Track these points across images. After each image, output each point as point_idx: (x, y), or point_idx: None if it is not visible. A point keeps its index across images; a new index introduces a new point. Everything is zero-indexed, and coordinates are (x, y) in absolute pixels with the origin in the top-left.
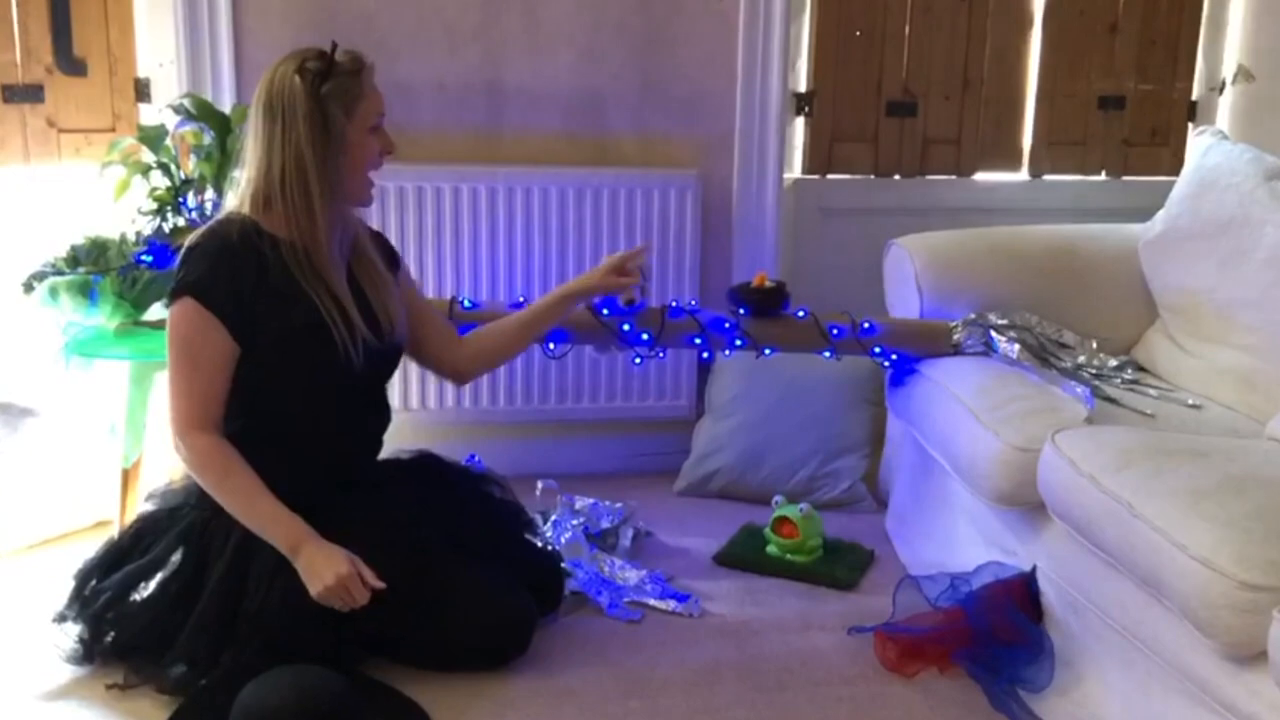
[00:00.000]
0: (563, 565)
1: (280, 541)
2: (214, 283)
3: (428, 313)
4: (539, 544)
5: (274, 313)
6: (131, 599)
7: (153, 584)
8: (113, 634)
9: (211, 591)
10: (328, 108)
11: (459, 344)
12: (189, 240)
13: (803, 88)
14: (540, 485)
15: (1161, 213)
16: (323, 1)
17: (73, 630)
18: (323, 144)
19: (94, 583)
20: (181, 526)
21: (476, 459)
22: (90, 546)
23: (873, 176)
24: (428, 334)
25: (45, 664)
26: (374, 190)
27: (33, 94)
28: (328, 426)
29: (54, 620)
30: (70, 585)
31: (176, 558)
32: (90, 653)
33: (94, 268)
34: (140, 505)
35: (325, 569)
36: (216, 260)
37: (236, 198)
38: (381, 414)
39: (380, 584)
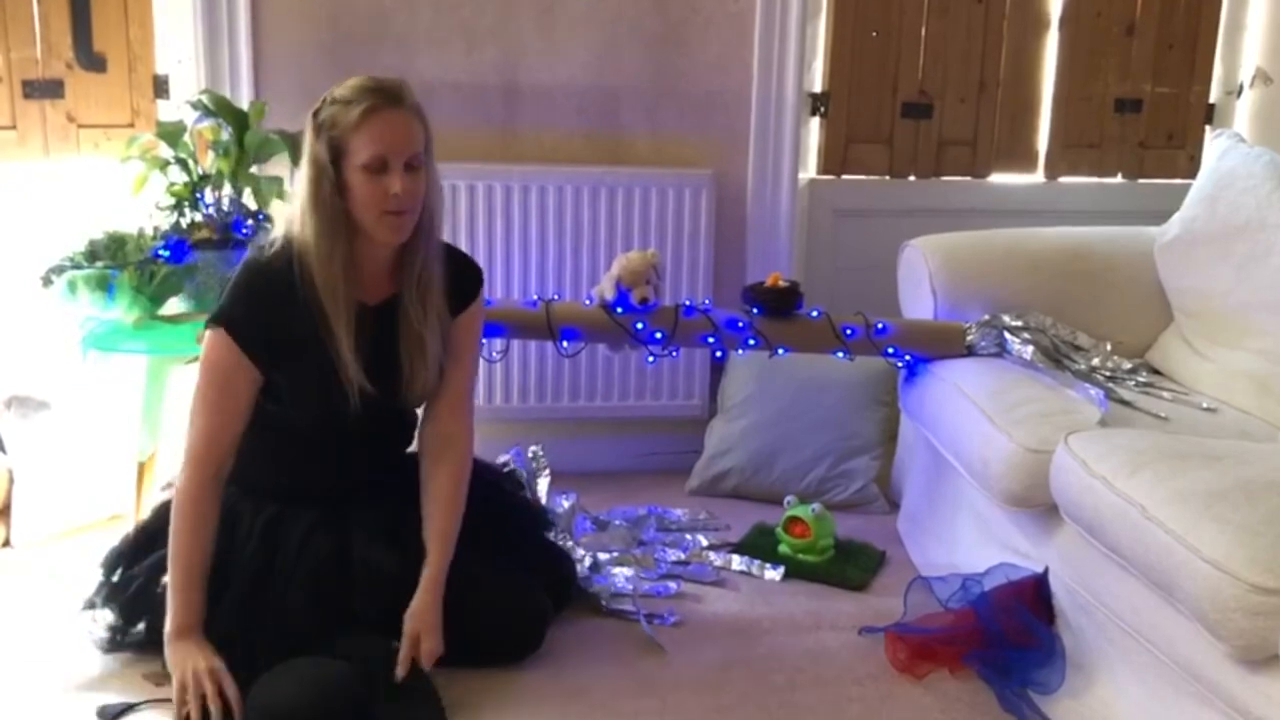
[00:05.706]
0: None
1: (172, 619)
2: (244, 319)
3: (451, 371)
4: (556, 543)
5: (290, 346)
6: (161, 585)
7: None
8: (145, 620)
9: (241, 575)
10: (318, 142)
11: (440, 420)
12: (240, 265)
13: (818, 88)
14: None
15: (1177, 216)
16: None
17: (104, 618)
18: (314, 180)
19: (123, 569)
20: None
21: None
22: (105, 540)
23: (888, 177)
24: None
25: (76, 654)
26: (395, 231)
27: (53, 89)
28: (330, 455)
29: (84, 608)
30: (99, 572)
31: None
32: (123, 639)
33: (112, 262)
34: (158, 497)
35: (186, 663)
36: (249, 296)
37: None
38: (397, 443)
39: (233, 694)
